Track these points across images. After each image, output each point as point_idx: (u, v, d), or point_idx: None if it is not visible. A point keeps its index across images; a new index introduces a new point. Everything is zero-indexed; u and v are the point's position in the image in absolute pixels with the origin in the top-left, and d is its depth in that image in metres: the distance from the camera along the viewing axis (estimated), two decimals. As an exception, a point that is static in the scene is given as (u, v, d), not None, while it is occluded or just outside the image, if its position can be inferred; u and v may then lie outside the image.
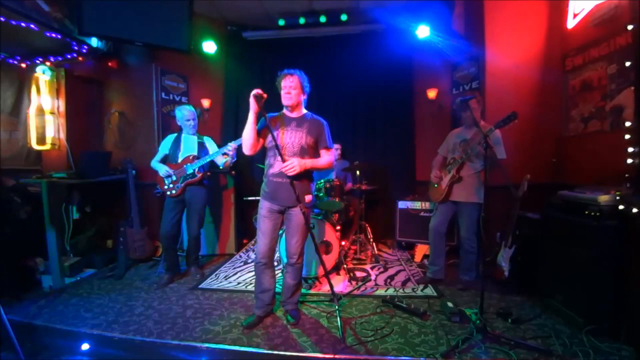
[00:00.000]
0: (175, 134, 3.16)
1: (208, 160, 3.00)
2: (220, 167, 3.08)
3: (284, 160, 2.07)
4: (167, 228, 3.02)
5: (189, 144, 3.11)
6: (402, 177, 4.59)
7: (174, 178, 2.98)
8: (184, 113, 3.07)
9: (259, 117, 2.17)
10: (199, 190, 3.10)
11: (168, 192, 3.01)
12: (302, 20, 4.43)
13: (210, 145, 3.19)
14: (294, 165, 2.07)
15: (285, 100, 2.22)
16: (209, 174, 3.18)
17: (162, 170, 2.98)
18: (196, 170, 3.01)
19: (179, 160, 3.03)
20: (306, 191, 2.27)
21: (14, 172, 3.41)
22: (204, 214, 3.24)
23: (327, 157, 2.29)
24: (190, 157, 3.03)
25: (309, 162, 2.18)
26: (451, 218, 2.94)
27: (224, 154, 2.93)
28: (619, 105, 2.47)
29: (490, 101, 3.42)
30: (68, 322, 2.37)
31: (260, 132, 2.24)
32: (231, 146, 2.79)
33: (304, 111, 2.32)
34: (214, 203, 3.96)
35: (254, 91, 2.08)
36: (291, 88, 2.19)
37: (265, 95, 2.10)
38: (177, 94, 4.32)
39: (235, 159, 2.98)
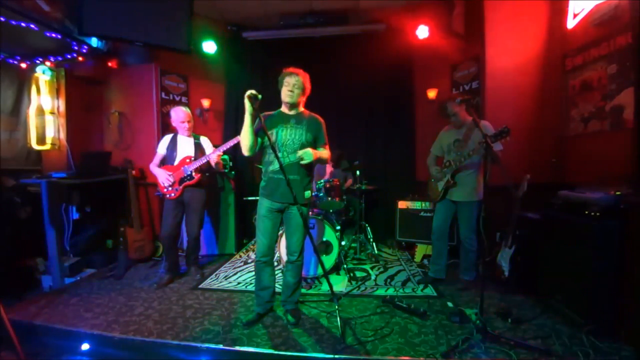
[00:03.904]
0: (171, 135, 3.14)
1: (204, 161, 3.01)
2: (214, 167, 3.08)
3: (279, 161, 2.06)
4: (168, 230, 3.02)
5: (185, 145, 3.11)
6: (402, 177, 4.58)
7: (172, 180, 2.99)
8: (179, 115, 3.06)
9: (254, 117, 2.14)
10: (198, 192, 3.10)
11: (167, 195, 3.01)
12: (302, 21, 4.43)
13: (207, 146, 3.18)
14: (309, 152, 2.11)
15: (287, 97, 2.22)
16: (207, 174, 3.18)
17: (161, 176, 2.98)
18: (193, 172, 3.02)
19: (176, 162, 3.04)
20: (307, 187, 2.31)
21: (14, 172, 3.40)
22: (203, 215, 3.24)
23: (327, 152, 2.33)
24: (187, 159, 3.04)
25: (317, 152, 2.21)
26: (453, 217, 2.95)
27: (218, 154, 2.98)
28: (619, 105, 2.48)
29: (490, 101, 3.42)
30: (68, 322, 2.37)
31: (258, 133, 2.23)
32: (221, 150, 2.93)
33: (301, 109, 2.35)
34: (214, 203, 3.96)
35: (248, 92, 2.02)
36: (295, 87, 2.21)
37: (259, 96, 2.05)
38: (177, 94, 4.32)
39: (228, 167, 3.00)
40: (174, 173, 3.00)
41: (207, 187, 3.23)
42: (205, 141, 3.20)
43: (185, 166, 3.01)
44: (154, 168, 3.06)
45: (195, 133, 3.21)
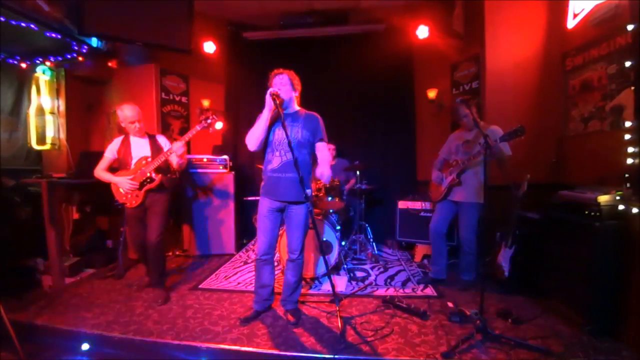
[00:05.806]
0: (122, 137, 2.81)
1: (162, 159, 2.69)
2: (175, 166, 2.75)
3: (293, 154, 2.05)
4: (138, 240, 2.79)
5: (139, 146, 2.78)
6: (402, 177, 4.59)
7: (134, 185, 2.67)
8: (127, 114, 2.68)
9: (273, 115, 2.21)
10: (160, 196, 2.76)
11: (128, 204, 2.69)
12: (302, 20, 4.43)
13: (164, 143, 2.86)
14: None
15: None
16: (168, 175, 2.85)
17: (124, 183, 2.64)
18: (153, 173, 2.70)
19: (132, 166, 2.72)
20: (306, 185, 2.32)
21: (14, 172, 3.40)
22: (166, 219, 2.84)
23: (325, 152, 2.33)
24: (143, 161, 2.71)
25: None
26: (452, 218, 2.94)
27: (179, 145, 2.66)
28: (619, 105, 2.47)
29: (490, 101, 3.42)
30: (68, 322, 2.37)
31: (273, 127, 2.28)
32: (179, 144, 2.62)
33: (297, 107, 2.36)
34: (213, 203, 3.96)
35: (271, 90, 2.11)
36: (281, 85, 2.24)
37: (281, 96, 2.17)
38: (177, 94, 4.32)
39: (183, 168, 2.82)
40: (134, 176, 2.66)
41: (169, 191, 2.88)
42: (161, 138, 2.89)
43: (143, 168, 2.69)
44: (103, 174, 2.71)
45: (147, 132, 2.88)
